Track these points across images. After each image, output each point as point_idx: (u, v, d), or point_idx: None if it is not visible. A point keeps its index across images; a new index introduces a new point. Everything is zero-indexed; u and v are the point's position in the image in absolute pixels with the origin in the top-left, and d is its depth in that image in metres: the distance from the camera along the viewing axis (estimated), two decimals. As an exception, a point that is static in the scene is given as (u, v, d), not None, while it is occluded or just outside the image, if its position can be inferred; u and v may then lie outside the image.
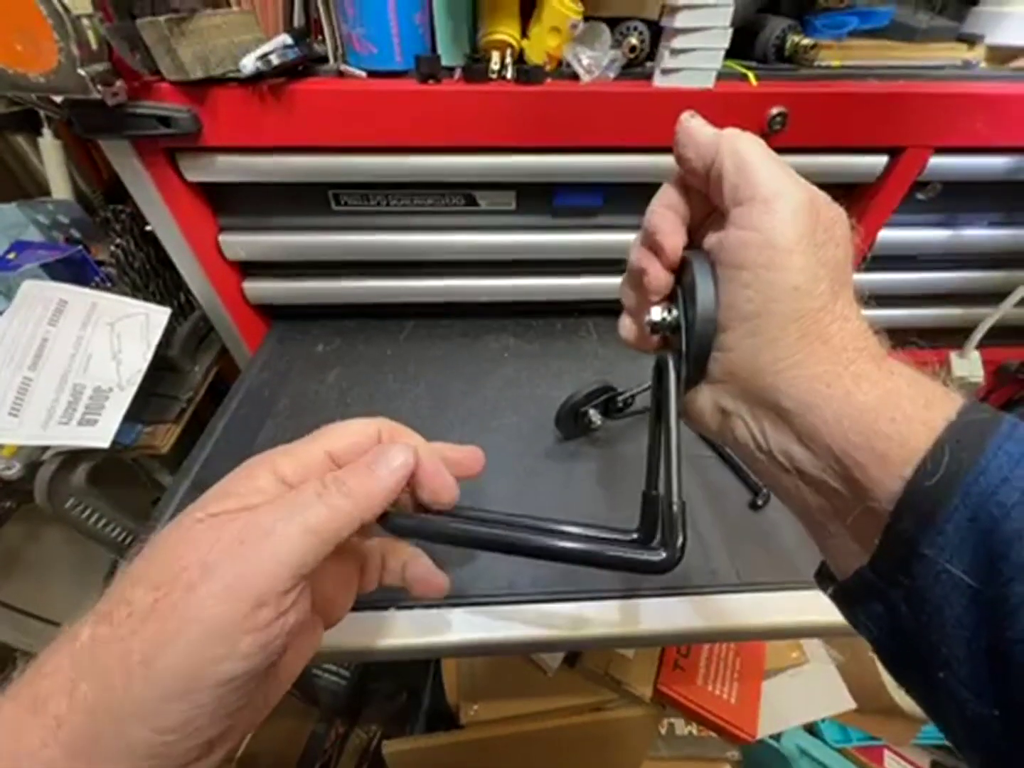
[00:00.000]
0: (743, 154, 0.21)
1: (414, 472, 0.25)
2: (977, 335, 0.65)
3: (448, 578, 0.29)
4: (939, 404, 0.18)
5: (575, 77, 0.45)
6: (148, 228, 0.54)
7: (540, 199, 0.54)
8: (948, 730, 0.18)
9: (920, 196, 0.56)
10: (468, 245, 0.56)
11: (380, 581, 0.29)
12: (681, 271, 0.24)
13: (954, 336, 0.68)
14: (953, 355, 0.69)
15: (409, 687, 0.80)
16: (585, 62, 0.44)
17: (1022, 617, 0.15)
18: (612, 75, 0.45)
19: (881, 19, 0.49)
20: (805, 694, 0.69)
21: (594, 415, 0.48)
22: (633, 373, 0.50)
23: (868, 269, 0.60)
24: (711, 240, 0.23)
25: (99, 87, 0.37)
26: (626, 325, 0.28)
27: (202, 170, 0.48)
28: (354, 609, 0.28)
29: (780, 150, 0.22)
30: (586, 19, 0.43)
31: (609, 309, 0.59)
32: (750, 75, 0.46)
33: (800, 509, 0.22)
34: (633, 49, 0.45)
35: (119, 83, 0.39)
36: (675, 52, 0.42)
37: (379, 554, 0.28)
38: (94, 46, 0.37)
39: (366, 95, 0.44)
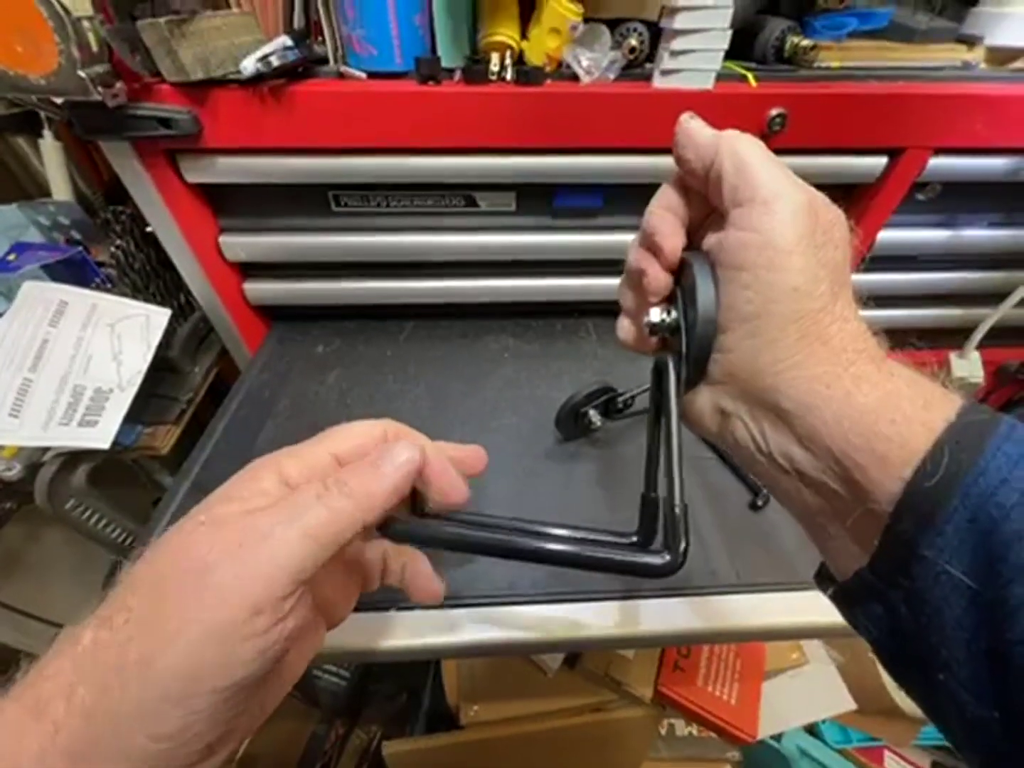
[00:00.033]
0: (742, 155, 0.21)
1: (422, 471, 0.24)
2: (977, 336, 0.65)
3: (444, 584, 0.28)
4: (938, 405, 0.18)
5: (575, 78, 0.45)
6: (148, 229, 0.54)
7: (540, 200, 0.54)
8: (948, 731, 0.18)
9: (920, 197, 0.56)
10: (468, 246, 0.56)
11: (382, 581, 0.29)
12: (680, 272, 0.24)
13: (954, 337, 0.68)
14: (953, 356, 0.69)
15: (409, 688, 0.80)
16: (585, 63, 0.44)
17: (1021, 619, 0.15)
18: (612, 76, 0.45)
19: (880, 20, 0.49)
20: (805, 695, 0.69)
21: (594, 416, 0.48)
22: (633, 374, 0.50)
23: (868, 269, 0.60)
24: (710, 241, 0.23)
25: (99, 89, 0.38)
26: (624, 327, 0.28)
27: (202, 171, 0.48)
28: (355, 610, 0.28)
29: (779, 151, 0.22)
30: (586, 20, 0.43)
31: (609, 310, 0.59)
32: (749, 76, 0.46)
33: (800, 511, 0.22)
34: (633, 50, 0.45)
35: (119, 85, 0.39)
36: (675, 53, 0.43)
37: (381, 554, 0.28)
38: (95, 48, 0.37)
39: (366, 96, 0.44)
